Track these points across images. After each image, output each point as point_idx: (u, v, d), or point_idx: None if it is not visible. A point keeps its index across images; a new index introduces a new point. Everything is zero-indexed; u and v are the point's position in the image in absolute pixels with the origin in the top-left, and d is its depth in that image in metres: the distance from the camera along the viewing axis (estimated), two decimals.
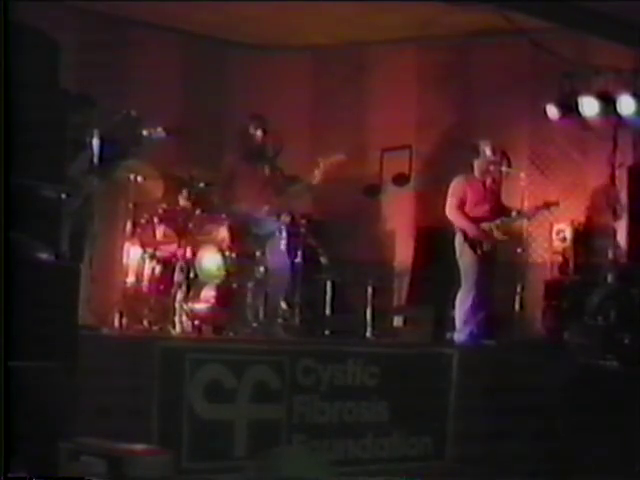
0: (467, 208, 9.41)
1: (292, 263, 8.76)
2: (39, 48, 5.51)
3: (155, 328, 7.86)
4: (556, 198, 10.22)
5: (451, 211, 9.40)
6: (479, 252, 9.32)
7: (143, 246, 8.29)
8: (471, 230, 9.31)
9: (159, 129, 8.22)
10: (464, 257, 9.37)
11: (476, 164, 9.52)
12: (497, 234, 9.36)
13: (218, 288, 8.24)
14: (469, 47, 11.28)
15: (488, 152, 9.46)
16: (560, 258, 10.78)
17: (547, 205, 9.61)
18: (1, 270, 4.70)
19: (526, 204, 9.50)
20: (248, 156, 8.82)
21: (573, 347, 9.25)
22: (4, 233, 4.77)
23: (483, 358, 8.42)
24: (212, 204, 8.55)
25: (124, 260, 8.13)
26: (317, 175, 8.55)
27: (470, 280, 9.31)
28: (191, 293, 8.06)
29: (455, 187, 9.47)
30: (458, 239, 9.38)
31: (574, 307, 9.90)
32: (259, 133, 8.75)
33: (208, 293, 8.25)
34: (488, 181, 9.56)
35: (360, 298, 9.52)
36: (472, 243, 9.33)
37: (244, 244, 8.36)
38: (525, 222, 9.74)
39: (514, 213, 9.52)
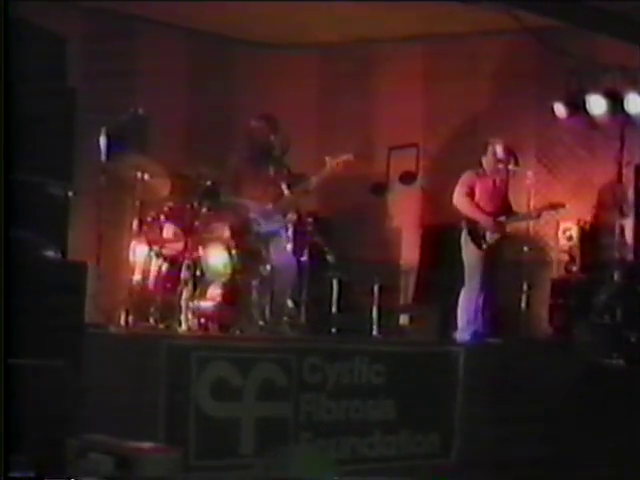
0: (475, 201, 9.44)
1: (298, 261, 8.76)
2: (46, 46, 5.52)
3: (161, 326, 7.86)
4: (563, 197, 10.30)
5: (459, 197, 9.41)
6: (484, 246, 9.33)
7: (150, 244, 8.29)
8: (477, 218, 9.31)
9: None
10: (468, 252, 9.38)
11: (484, 162, 9.53)
12: (502, 228, 9.40)
13: (224, 286, 8.24)
14: (476, 45, 11.27)
15: (498, 150, 9.47)
16: (567, 256, 10.77)
17: (553, 206, 9.63)
18: (2, 269, 4.70)
19: (532, 202, 9.50)
20: (255, 155, 8.82)
21: (580, 345, 9.24)
22: (7, 230, 4.77)
23: (489, 356, 8.42)
24: (219, 202, 8.55)
25: (131, 258, 8.12)
26: (323, 174, 8.56)
27: (474, 276, 9.31)
28: (197, 291, 8.06)
29: (465, 178, 9.50)
30: (463, 234, 9.40)
31: (581, 305, 9.89)
32: (268, 133, 8.75)
33: (214, 291, 8.25)
34: (497, 179, 9.57)
35: (366, 296, 9.52)
36: (476, 236, 9.33)
37: (248, 242, 8.37)
38: (530, 222, 9.73)
39: (520, 214, 9.55)
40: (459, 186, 9.46)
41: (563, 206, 9.68)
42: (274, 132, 8.76)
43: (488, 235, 9.35)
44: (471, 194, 9.43)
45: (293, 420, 7.10)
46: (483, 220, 9.37)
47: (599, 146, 10.76)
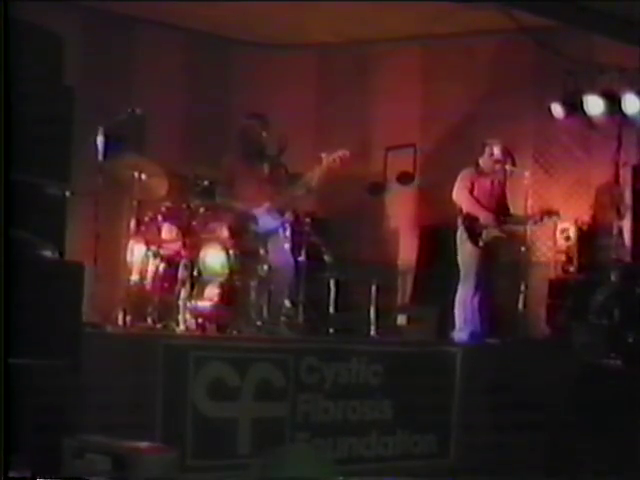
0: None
1: (296, 261, 8.76)
2: (43, 45, 5.51)
3: (159, 326, 7.85)
4: (560, 198, 10.40)
5: (459, 192, 9.37)
6: (481, 244, 9.31)
7: (147, 244, 8.28)
8: (477, 214, 9.29)
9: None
10: (464, 250, 9.35)
11: (481, 162, 9.53)
12: (500, 228, 9.39)
13: (222, 286, 8.23)
14: (473, 45, 11.27)
15: (495, 151, 9.46)
16: (564, 257, 10.77)
17: (550, 213, 9.63)
18: (1, 268, 4.70)
19: (529, 203, 9.50)
20: (249, 155, 8.82)
21: (577, 346, 9.24)
22: (6, 230, 4.77)
23: (487, 357, 8.42)
24: (216, 202, 8.55)
25: (128, 258, 8.12)
26: (319, 171, 8.56)
27: (470, 275, 9.29)
28: (195, 291, 8.05)
29: (465, 174, 9.47)
30: (460, 232, 9.38)
31: (578, 306, 9.89)
32: (260, 132, 8.76)
33: (212, 291, 8.24)
34: (495, 180, 9.56)
35: (364, 296, 9.52)
36: (473, 234, 9.31)
37: (246, 242, 8.36)
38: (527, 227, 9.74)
39: (515, 217, 9.54)
40: (459, 181, 9.42)
41: (558, 214, 9.71)
42: (266, 131, 8.76)
43: (485, 233, 9.33)
44: (471, 190, 9.41)
45: (290, 420, 7.10)
46: (483, 216, 9.34)
47: (596, 146, 10.77)
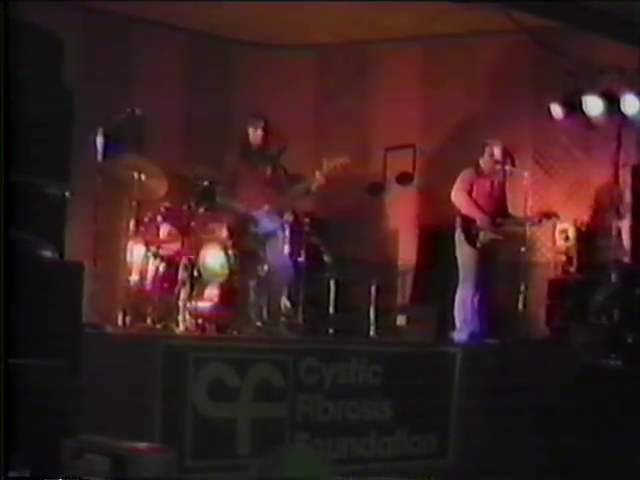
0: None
1: (295, 262, 8.77)
2: (43, 46, 5.52)
3: (159, 326, 7.87)
4: (559, 198, 10.39)
5: (457, 194, 9.38)
6: (478, 245, 9.31)
7: (147, 244, 8.29)
8: (474, 216, 9.29)
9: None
10: (462, 251, 9.36)
11: (481, 163, 9.53)
12: (497, 230, 9.39)
13: (222, 287, 8.25)
14: (473, 46, 11.27)
15: (495, 151, 9.46)
16: (563, 257, 10.77)
17: (548, 215, 9.63)
18: (1, 268, 4.70)
19: (529, 203, 9.50)
20: (249, 155, 8.84)
21: (576, 346, 9.24)
22: (6, 230, 4.77)
23: (486, 357, 8.42)
24: (216, 203, 8.56)
25: (128, 258, 8.12)
26: (319, 177, 8.57)
27: (469, 275, 9.29)
28: (195, 292, 8.06)
29: (464, 176, 9.47)
30: (457, 232, 9.38)
31: (577, 306, 9.88)
32: (260, 132, 8.77)
33: (211, 292, 8.26)
34: (495, 181, 9.56)
35: (363, 297, 9.52)
36: (470, 235, 9.31)
37: (245, 243, 8.37)
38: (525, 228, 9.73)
39: (514, 218, 9.54)
40: (458, 182, 9.43)
41: (557, 216, 9.72)
42: (267, 131, 8.78)
43: (482, 235, 9.34)
44: (469, 191, 9.42)
45: (290, 421, 7.11)
46: (480, 218, 9.35)
47: (596, 147, 10.76)
